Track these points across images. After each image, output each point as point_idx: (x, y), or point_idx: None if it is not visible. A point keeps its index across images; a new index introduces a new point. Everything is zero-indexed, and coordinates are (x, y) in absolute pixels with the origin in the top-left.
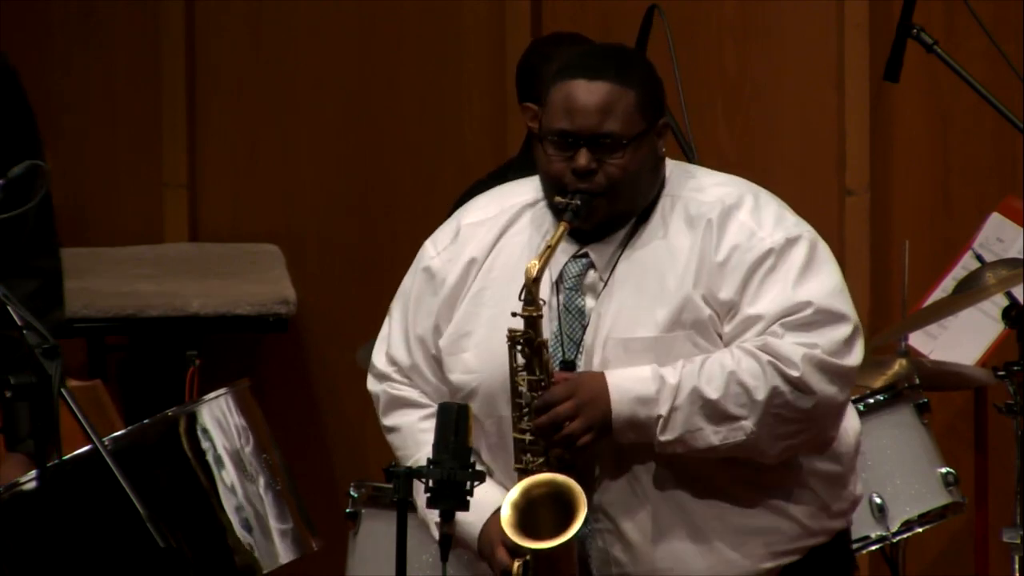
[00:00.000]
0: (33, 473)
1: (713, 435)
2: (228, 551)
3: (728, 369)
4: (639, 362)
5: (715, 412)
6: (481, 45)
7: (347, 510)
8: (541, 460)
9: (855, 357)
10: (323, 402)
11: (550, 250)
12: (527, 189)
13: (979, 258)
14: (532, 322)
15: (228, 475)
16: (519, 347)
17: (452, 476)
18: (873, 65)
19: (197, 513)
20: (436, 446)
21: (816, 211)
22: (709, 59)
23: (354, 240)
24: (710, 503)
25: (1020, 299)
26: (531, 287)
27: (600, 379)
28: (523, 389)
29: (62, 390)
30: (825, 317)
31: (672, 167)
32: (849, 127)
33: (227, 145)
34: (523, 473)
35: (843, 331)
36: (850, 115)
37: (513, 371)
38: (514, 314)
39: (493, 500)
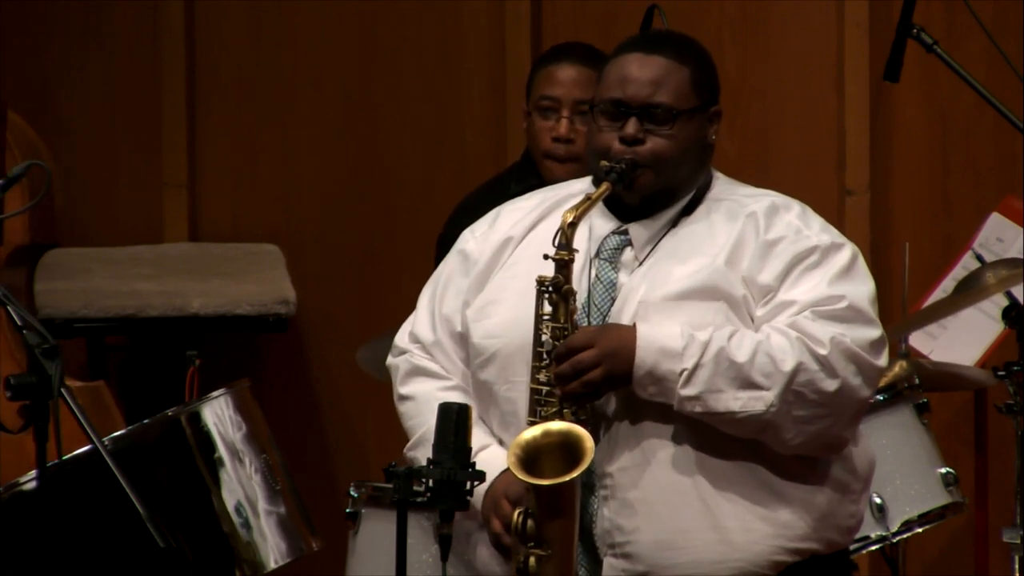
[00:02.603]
0: (33, 473)
1: (733, 400)
2: (228, 550)
3: (757, 340)
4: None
5: (739, 376)
6: (481, 45)
7: (347, 510)
8: (554, 411)
9: (881, 360)
10: (323, 402)
11: (589, 202)
12: (576, 183)
13: (979, 258)
14: (563, 266)
15: (228, 475)
16: (547, 293)
17: (452, 476)
18: (873, 65)
19: (197, 513)
20: (436, 446)
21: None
22: None
23: (354, 240)
24: (724, 483)
25: (1020, 299)
26: (566, 230)
27: (628, 331)
28: (546, 338)
29: (62, 390)
30: (856, 315)
31: (720, 177)
32: (849, 127)
33: (227, 145)
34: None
35: (872, 333)
36: (850, 115)
37: (538, 318)
38: (546, 256)
39: (500, 463)
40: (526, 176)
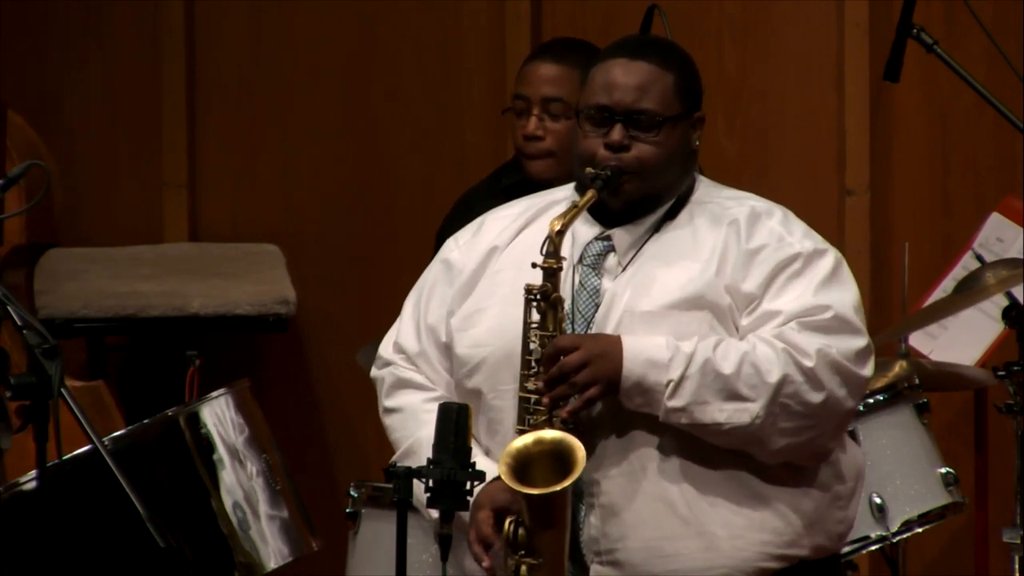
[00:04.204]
0: (33, 473)
1: (719, 412)
2: (228, 551)
3: (743, 350)
4: (652, 334)
5: (725, 388)
6: (481, 45)
7: (347, 510)
8: (544, 419)
9: (867, 370)
10: (323, 402)
11: (576, 210)
12: (559, 191)
13: (979, 258)
14: (551, 274)
15: (228, 475)
16: (535, 302)
17: (452, 476)
18: (873, 65)
19: (197, 513)
20: (436, 446)
21: (816, 211)
22: (709, 59)
23: (354, 240)
24: (711, 491)
25: (1020, 299)
26: (554, 239)
27: (615, 339)
28: (535, 346)
29: (62, 390)
30: (841, 325)
31: (703, 180)
32: (849, 127)
33: (227, 145)
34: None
35: (858, 343)
36: (850, 115)
37: (527, 326)
38: (534, 265)
39: (488, 472)
40: (514, 172)
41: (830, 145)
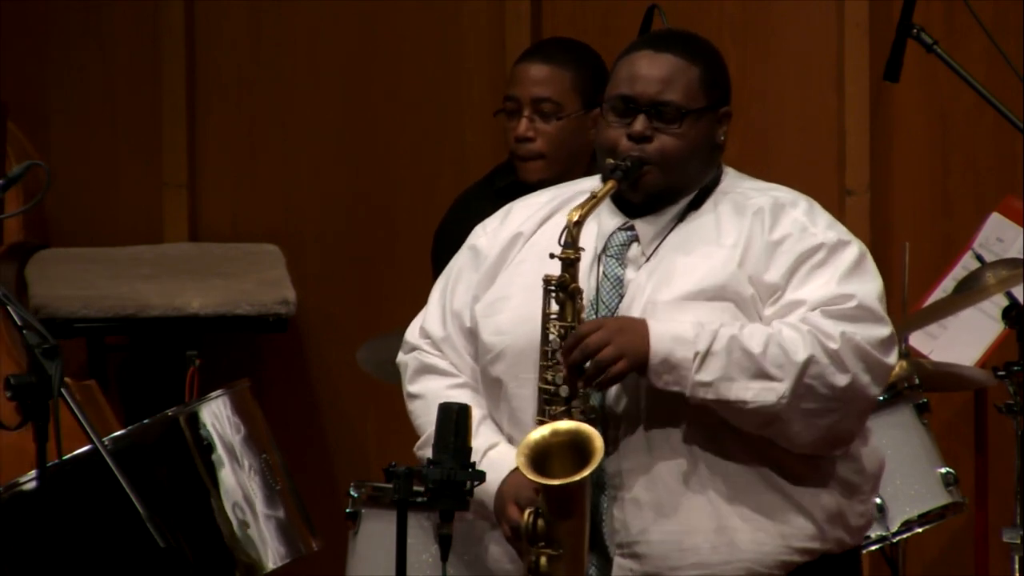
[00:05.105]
0: (33, 473)
1: (745, 390)
2: (227, 551)
3: (768, 332)
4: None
5: (752, 365)
6: (481, 45)
7: (347, 510)
8: (562, 410)
9: (891, 358)
10: (323, 402)
11: (595, 200)
12: (587, 181)
13: (979, 258)
14: (569, 264)
15: (227, 475)
16: (553, 292)
17: (452, 476)
18: (873, 65)
19: (197, 513)
20: (436, 446)
21: None
22: None
23: (354, 240)
24: (732, 485)
25: (1020, 299)
26: (572, 229)
27: (638, 320)
28: (553, 336)
29: (62, 390)
30: (865, 314)
31: (729, 172)
32: (849, 127)
33: (227, 145)
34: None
35: (881, 331)
36: (850, 115)
37: (545, 317)
38: (552, 255)
39: (511, 462)
40: (508, 173)
41: (830, 145)
